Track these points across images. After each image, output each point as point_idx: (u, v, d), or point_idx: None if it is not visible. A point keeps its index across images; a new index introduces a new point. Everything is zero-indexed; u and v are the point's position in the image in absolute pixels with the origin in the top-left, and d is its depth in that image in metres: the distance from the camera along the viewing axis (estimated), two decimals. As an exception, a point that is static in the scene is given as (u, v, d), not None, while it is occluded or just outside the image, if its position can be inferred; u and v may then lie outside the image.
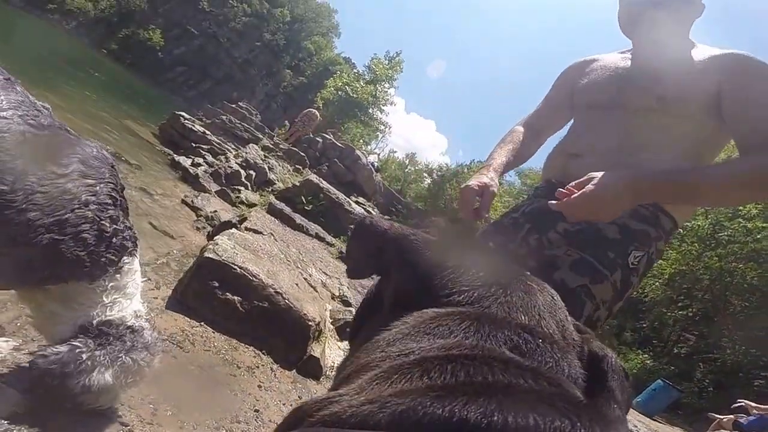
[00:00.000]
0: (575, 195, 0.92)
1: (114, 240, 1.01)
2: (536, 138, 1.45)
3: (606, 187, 0.90)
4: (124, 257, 1.06)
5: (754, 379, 8.85)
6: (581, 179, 0.94)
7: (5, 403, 1.02)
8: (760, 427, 5.99)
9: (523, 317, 0.42)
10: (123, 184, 1.10)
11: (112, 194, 1.01)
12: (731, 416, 6.31)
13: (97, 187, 0.97)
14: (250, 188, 5.71)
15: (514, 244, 1.20)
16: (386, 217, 10.93)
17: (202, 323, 1.88)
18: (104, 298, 1.02)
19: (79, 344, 0.95)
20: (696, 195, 0.98)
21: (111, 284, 1.03)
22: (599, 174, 0.92)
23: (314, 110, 12.51)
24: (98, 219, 0.96)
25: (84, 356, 0.95)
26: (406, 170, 25.36)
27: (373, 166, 12.65)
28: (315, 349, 2.17)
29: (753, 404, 6.29)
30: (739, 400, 6.38)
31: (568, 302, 1.03)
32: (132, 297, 1.10)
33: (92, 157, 0.99)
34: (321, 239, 5.11)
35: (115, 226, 1.02)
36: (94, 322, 1.00)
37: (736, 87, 1.01)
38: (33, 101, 0.99)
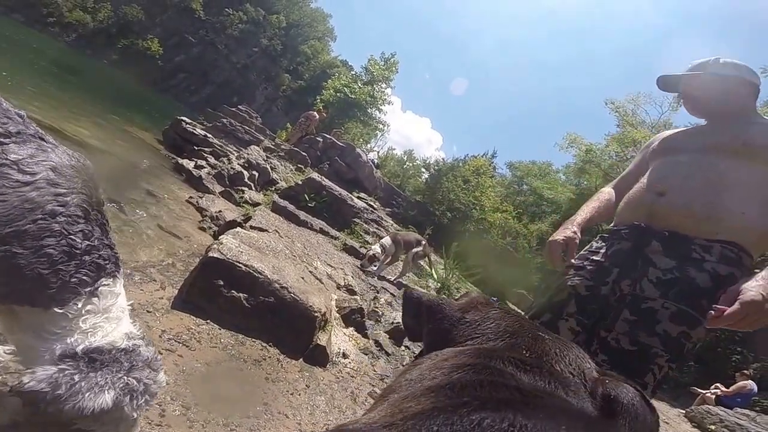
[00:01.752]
0: (734, 308, 0.95)
1: (86, 258, 0.87)
2: (621, 198, 1.51)
3: (759, 290, 0.93)
4: (102, 278, 0.91)
5: (732, 354, 9.07)
6: (728, 294, 0.98)
7: (5, 411, 0.95)
8: (736, 401, 6.20)
9: (525, 353, 0.47)
10: (103, 199, 0.96)
11: (85, 206, 0.87)
12: (714, 392, 6.50)
13: (68, 198, 0.83)
14: (253, 188, 5.63)
15: (606, 289, 1.25)
16: (387, 209, 10.90)
17: (208, 321, 1.82)
18: (81, 324, 0.87)
19: (68, 367, 0.83)
20: None
21: (87, 308, 0.88)
22: (746, 285, 0.96)
23: (313, 112, 12.38)
24: (66, 233, 0.83)
25: (76, 377, 0.82)
26: (405, 166, 25.21)
27: (374, 162, 12.55)
28: (321, 338, 2.12)
29: (722, 387, 6.57)
30: (714, 387, 6.69)
31: (672, 347, 1.09)
32: (118, 321, 0.96)
33: (67, 166, 0.86)
34: (325, 233, 5.05)
35: (88, 242, 0.87)
36: (79, 349, 0.86)
37: None
38: (5, 109, 0.87)
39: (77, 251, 0.85)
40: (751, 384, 6.52)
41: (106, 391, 0.85)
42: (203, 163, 5.64)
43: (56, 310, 0.85)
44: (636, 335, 1.14)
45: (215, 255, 1.96)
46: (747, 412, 5.91)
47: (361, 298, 3.15)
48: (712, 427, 5.47)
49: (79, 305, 0.87)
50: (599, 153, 20.35)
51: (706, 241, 1.14)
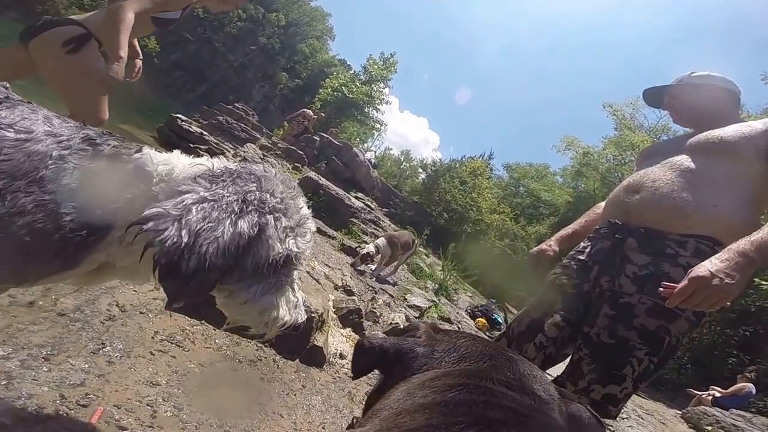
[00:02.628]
0: (682, 283, 0.99)
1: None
2: None
3: (707, 267, 0.97)
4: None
5: (728, 357, 9.17)
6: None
7: None
8: (732, 403, 6.25)
9: (508, 374, 0.49)
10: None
11: (90, 139, 0.85)
12: (710, 393, 6.54)
13: (71, 141, 0.83)
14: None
15: (588, 285, 1.31)
16: (384, 210, 10.89)
17: (203, 321, 1.78)
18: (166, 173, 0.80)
19: (195, 186, 0.73)
20: None
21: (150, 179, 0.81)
22: (699, 264, 1.01)
23: (308, 110, 12.35)
24: (80, 165, 0.81)
25: (206, 195, 0.71)
26: (402, 166, 25.22)
27: (371, 162, 12.54)
28: (318, 339, 2.09)
29: (718, 389, 6.60)
30: (711, 388, 6.73)
31: (651, 340, 1.09)
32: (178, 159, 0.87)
33: (61, 120, 0.86)
34: (323, 233, 5.02)
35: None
36: (196, 171, 0.79)
37: None
38: None
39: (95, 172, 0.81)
40: (750, 386, 6.55)
41: (243, 218, 0.74)
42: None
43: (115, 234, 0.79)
44: (615, 329, 1.18)
45: (210, 253, 1.92)
46: (743, 413, 5.97)
47: (359, 298, 3.12)
48: (709, 428, 5.51)
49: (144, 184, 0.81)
50: (596, 156, 20.44)
51: (680, 236, 1.19)
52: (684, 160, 1.26)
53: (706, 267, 0.98)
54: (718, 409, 6.01)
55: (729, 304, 1.00)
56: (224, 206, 0.72)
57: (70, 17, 1.87)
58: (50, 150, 0.80)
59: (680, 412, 6.28)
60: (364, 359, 0.57)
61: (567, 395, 0.52)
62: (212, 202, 0.71)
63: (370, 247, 4.40)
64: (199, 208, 0.69)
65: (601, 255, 1.32)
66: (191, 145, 6.29)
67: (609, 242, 1.31)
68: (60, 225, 0.76)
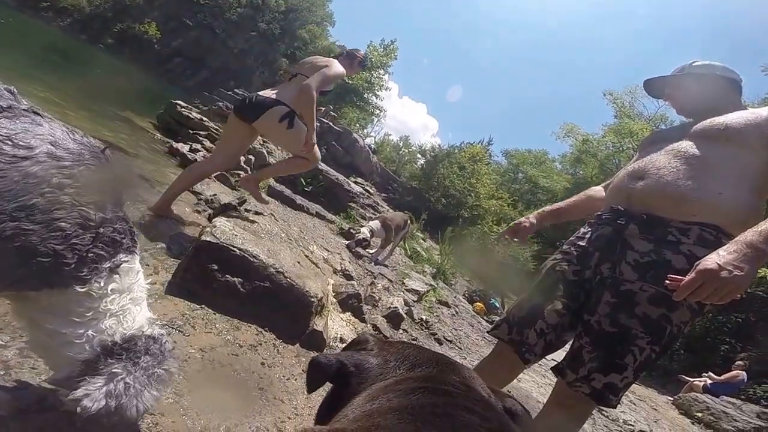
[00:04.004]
0: (689, 276, 0.96)
1: (102, 230, 0.81)
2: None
3: (715, 260, 0.94)
4: (120, 254, 0.85)
5: (720, 344, 9.22)
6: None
7: None
8: (724, 390, 6.33)
9: (455, 377, 0.52)
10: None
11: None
12: (701, 380, 6.61)
13: (75, 170, 0.77)
14: (249, 172, 5.52)
15: (589, 272, 1.28)
16: (383, 194, 10.86)
17: (203, 306, 1.76)
18: (109, 305, 0.82)
19: (118, 370, 0.81)
20: None
21: (111, 287, 0.83)
22: (706, 256, 0.97)
23: None
24: (78, 204, 0.77)
25: (130, 380, 0.82)
26: (401, 152, 25.03)
27: (370, 148, 12.45)
28: (318, 323, 2.07)
29: (712, 375, 6.70)
30: (703, 374, 6.80)
31: (652, 329, 1.14)
32: (141, 302, 0.92)
33: (68, 139, 0.80)
34: (322, 217, 4.99)
35: (101, 214, 0.81)
36: (117, 338, 0.83)
37: None
38: None
39: (92, 223, 0.79)
40: (743, 375, 6.60)
41: (151, 390, 0.87)
42: (198, 146, 5.51)
43: (78, 289, 0.79)
44: (617, 317, 1.14)
45: (208, 239, 1.89)
46: (733, 400, 6.05)
47: (358, 283, 3.11)
48: (699, 414, 5.58)
49: (102, 283, 0.81)
50: (596, 143, 20.29)
51: (683, 223, 1.15)
52: (688, 147, 1.22)
53: (713, 259, 0.94)
54: (709, 396, 6.07)
55: (739, 297, 0.96)
56: (135, 388, 0.84)
57: (272, 97, 2.46)
58: (50, 175, 0.74)
59: (672, 399, 6.36)
60: (321, 374, 0.58)
61: (499, 392, 0.58)
62: (130, 386, 0.83)
63: (365, 232, 4.35)
64: (121, 392, 0.81)
65: (601, 241, 1.29)
66: (191, 131, 6.20)
67: (610, 228, 1.28)
68: (29, 260, 0.73)
